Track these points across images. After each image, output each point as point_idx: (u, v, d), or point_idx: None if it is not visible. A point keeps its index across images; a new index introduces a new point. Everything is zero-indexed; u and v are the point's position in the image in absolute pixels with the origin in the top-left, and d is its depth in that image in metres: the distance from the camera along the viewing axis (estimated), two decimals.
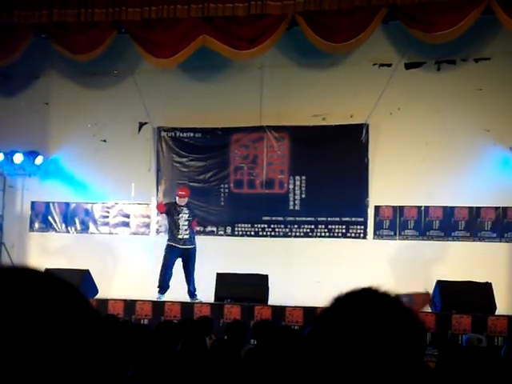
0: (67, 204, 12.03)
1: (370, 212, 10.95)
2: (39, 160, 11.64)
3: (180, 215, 10.14)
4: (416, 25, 9.80)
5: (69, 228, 11.98)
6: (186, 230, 10.10)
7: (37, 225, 12.12)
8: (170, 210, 10.21)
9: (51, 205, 12.07)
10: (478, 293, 8.99)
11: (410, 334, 1.28)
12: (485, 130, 10.49)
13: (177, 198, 10.28)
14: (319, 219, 11.13)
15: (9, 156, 11.41)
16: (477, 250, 10.37)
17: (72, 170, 11.88)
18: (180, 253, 10.07)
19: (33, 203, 12.12)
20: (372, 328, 1.26)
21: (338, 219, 11.05)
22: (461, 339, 7.94)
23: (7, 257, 11.46)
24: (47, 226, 12.05)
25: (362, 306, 1.30)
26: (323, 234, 11.12)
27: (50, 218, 12.05)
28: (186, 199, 10.31)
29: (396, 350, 1.25)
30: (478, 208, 10.57)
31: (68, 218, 12.00)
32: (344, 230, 11.05)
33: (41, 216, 12.11)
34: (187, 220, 10.15)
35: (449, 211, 10.67)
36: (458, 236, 10.62)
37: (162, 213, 10.49)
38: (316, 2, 9.80)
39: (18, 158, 11.42)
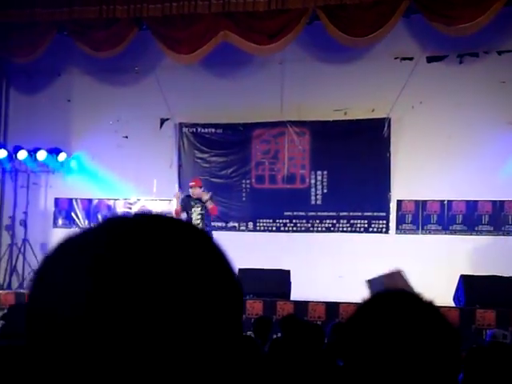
0: (90, 200, 12.11)
1: (393, 206, 10.91)
2: (62, 157, 11.72)
3: (193, 209, 10.08)
4: (437, 18, 9.73)
5: (92, 224, 12.01)
6: (198, 224, 10.03)
7: (60, 221, 12.22)
8: (185, 207, 10.15)
9: (74, 201, 12.16)
10: (502, 287, 8.91)
11: (443, 344, 1.27)
12: (508, 123, 10.40)
13: (190, 190, 10.24)
14: (341, 214, 11.11)
15: (32, 153, 11.50)
16: (501, 243, 10.29)
17: (94, 167, 11.95)
18: None
19: (56, 200, 12.22)
20: (406, 335, 1.25)
21: (359, 214, 11.02)
22: (485, 334, 7.90)
23: (31, 253, 11.55)
24: (70, 222, 12.14)
25: (396, 311, 1.29)
26: (345, 228, 11.10)
27: (73, 214, 12.14)
28: (199, 190, 10.10)
29: (429, 360, 1.25)
30: (502, 201, 10.48)
31: (91, 214, 12.08)
32: (366, 225, 11.01)
33: (64, 212, 12.21)
34: (200, 214, 10.03)
35: (472, 205, 10.60)
36: (482, 230, 10.55)
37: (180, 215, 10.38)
38: None
39: (42, 155, 11.51)
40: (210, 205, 10.05)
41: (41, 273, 0.80)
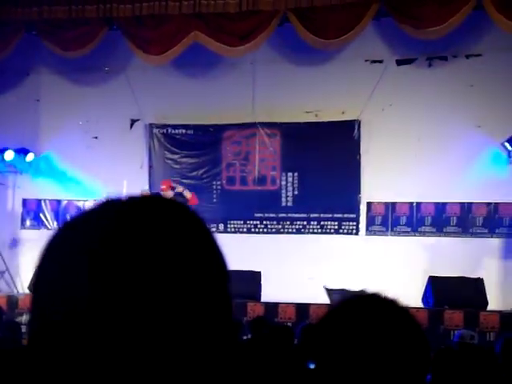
0: (59, 201, 12.00)
1: (362, 208, 10.98)
2: (30, 157, 11.59)
3: None
4: (406, 20, 9.81)
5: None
6: None
7: (28, 222, 12.09)
8: None
9: (43, 202, 12.03)
10: (469, 288, 9.02)
11: (412, 346, 1.28)
12: (476, 125, 10.52)
13: (161, 194, 10.20)
14: (311, 215, 11.15)
15: (0, 153, 11.35)
16: (468, 245, 10.41)
17: (63, 167, 11.84)
18: None
19: (24, 200, 12.08)
20: (376, 337, 1.26)
21: (330, 215, 11.07)
22: (453, 335, 7.97)
23: None
24: (39, 223, 12.02)
25: (368, 313, 1.30)
26: (316, 230, 11.14)
27: (41, 215, 12.02)
28: (171, 193, 10.09)
29: (397, 363, 1.25)
30: (470, 204, 10.61)
31: (60, 216, 11.96)
32: (336, 227, 11.07)
33: (32, 213, 12.08)
34: None
35: (441, 207, 10.71)
36: (450, 232, 10.66)
37: None
38: None
39: (9, 155, 11.37)
40: (188, 194, 10.08)
41: (40, 266, 0.82)
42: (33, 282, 0.82)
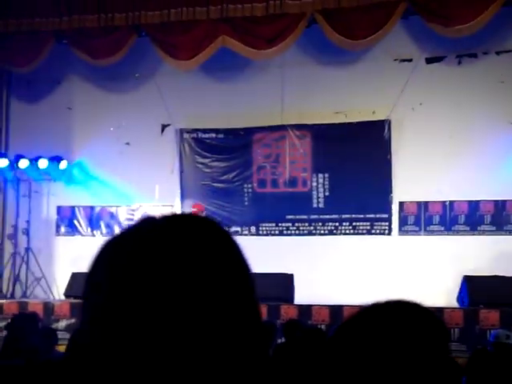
0: (92, 208, 12.13)
1: (395, 208, 10.91)
2: (63, 165, 11.73)
3: None
4: (435, 19, 9.74)
5: (94, 232, 12.07)
6: None
7: (63, 229, 12.23)
8: None
9: (77, 209, 12.17)
10: (505, 287, 8.92)
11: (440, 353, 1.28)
12: (508, 122, 10.40)
13: None
14: (343, 216, 11.11)
15: (34, 162, 11.51)
16: (503, 243, 10.28)
17: (96, 174, 11.97)
18: None
19: (58, 208, 12.23)
20: (392, 341, 1.26)
21: (362, 216, 11.02)
22: (489, 334, 7.89)
23: (34, 262, 11.57)
24: (73, 230, 12.16)
25: (395, 319, 1.30)
26: (348, 231, 11.10)
27: (75, 222, 12.16)
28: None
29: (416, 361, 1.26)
30: (504, 201, 10.48)
31: (93, 222, 12.09)
32: (369, 227, 11.01)
33: (67, 220, 12.22)
34: None
35: (474, 205, 10.60)
36: (484, 230, 10.54)
37: None
38: None
39: (43, 163, 11.52)
40: None
41: (89, 272, 0.93)
42: (84, 292, 0.93)
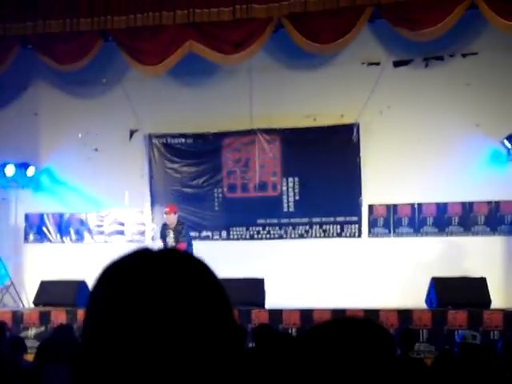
0: (61, 214, 12.02)
1: (364, 211, 10.97)
2: (31, 171, 11.61)
3: (167, 239, 10.07)
4: (401, 23, 9.81)
5: (64, 238, 11.97)
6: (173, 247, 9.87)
7: (31, 236, 12.11)
8: (162, 235, 10.19)
9: (45, 216, 12.05)
10: (472, 288, 9.00)
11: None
12: (475, 124, 10.51)
13: (164, 216, 10.19)
14: (314, 220, 11.15)
15: (0, 168, 11.38)
16: (471, 244, 10.39)
17: (64, 180, 11.87)
18: None
19: (27, 215, 12.11)
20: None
21: (332, 219, 11.07)
22: (457, 335, 7.96)
23: (3, 269, 11.44)
24: (42, 237, 12.04)
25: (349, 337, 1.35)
26: (318, 234, 11.13)
27: (44, 229, 12.04)
28: (174, 216, 10.06)
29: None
30: (471, 203, 10.59)
31: (63, 229, 11.98)
32: (339, 230, 11.06)
33: (35, 227, 12.09)
34: (173, 244, 9.94)
35: (442, 207, 10.69)
36: (452, 231, 10.64)
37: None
38: (301, 3, 9.81)
39: (10, 169, 11.39)
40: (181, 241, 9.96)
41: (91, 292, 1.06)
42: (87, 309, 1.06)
